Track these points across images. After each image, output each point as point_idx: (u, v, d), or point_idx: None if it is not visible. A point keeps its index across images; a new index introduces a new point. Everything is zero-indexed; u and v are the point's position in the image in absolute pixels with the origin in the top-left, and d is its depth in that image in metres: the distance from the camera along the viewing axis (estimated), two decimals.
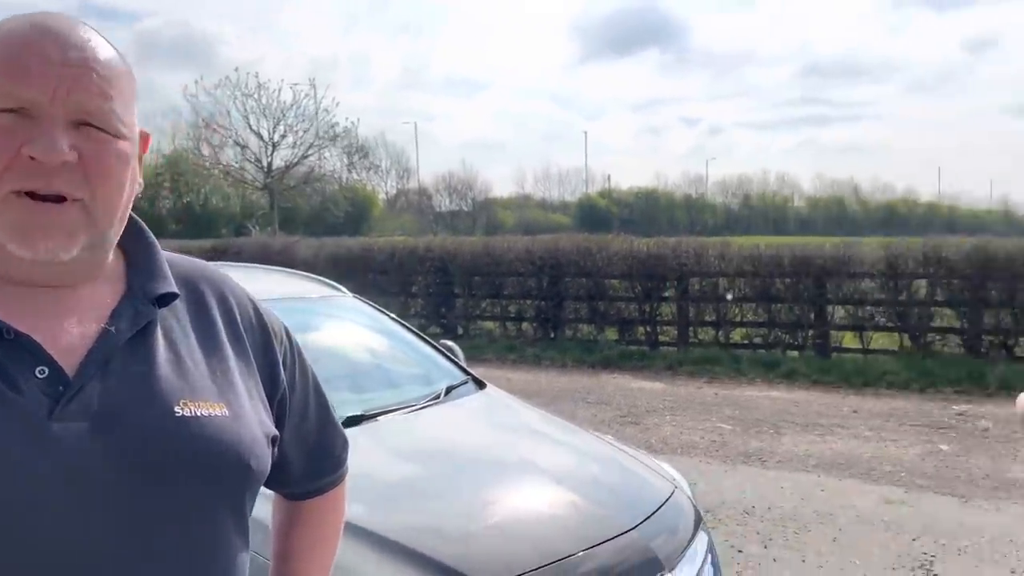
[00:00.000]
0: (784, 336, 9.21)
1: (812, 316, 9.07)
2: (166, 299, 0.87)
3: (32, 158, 0.74)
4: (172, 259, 0.93)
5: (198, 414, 0.81)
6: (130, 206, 0.85)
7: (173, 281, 0.88)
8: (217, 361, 0.88)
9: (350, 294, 3.61)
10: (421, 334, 3.53)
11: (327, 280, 3.66)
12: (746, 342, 9.46)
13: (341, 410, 2.53)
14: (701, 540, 2.35)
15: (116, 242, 0.86)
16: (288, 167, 23.39)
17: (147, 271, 0.88)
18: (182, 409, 0.81)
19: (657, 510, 2.28)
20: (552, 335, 10.11)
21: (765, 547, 3.94)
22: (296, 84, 24.11)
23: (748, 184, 70.06)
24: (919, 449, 5.59)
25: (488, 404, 3.05)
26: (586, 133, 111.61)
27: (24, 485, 0.72)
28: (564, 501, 2.26)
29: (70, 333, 0.80)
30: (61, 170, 0.75)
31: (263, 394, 0.92)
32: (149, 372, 0.81)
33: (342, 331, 3.36)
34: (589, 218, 52.25)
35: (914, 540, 4.01)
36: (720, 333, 9.51)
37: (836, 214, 63.41)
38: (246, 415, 0.87)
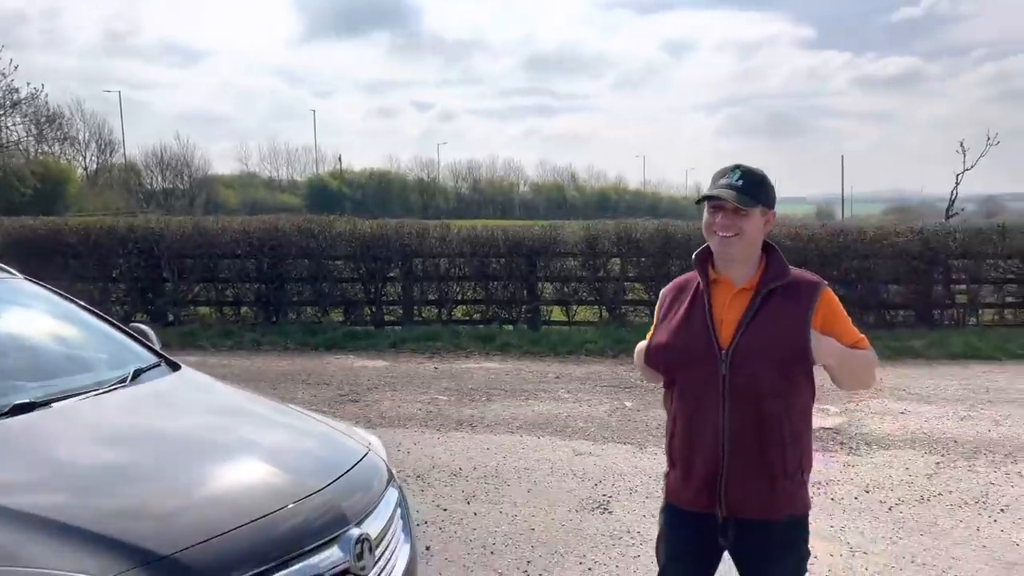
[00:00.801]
0: (500, 312, 9.88)
1: (525, 292, 9.83)
2: None
3: None
4: None
5: None
6: None
7: None
8: None
9: (21, 276, 3.27)
10: (107, 317, 3.29)
11: None
12: (467, 318, 9.98)
13: (10, 398, 2.34)
14: (391, 495, 2.52)
15: None
16: None
17: None
18: None
19: (347, 471, 2.40)
20: (274, 319, 9.83)
21: (468, 503, 4.27)
22: None
23: (478, 169, 72.99)
24: (607, 407, 6.35)
25: (181, 385, 2.96)
26: (314, 111, 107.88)
27: None
28: (259, 470, 2.30)
29: None
30: None
31: None
32: None
33: (11, 316, 3.04)
34: (320, 199, 51.01)
35: (596, 485, 4.58)
36: (443, 311, 9.93)
37: (557, 199, 68.44)
38: None
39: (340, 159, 64.41)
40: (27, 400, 2.39)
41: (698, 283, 2.09)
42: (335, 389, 6.88)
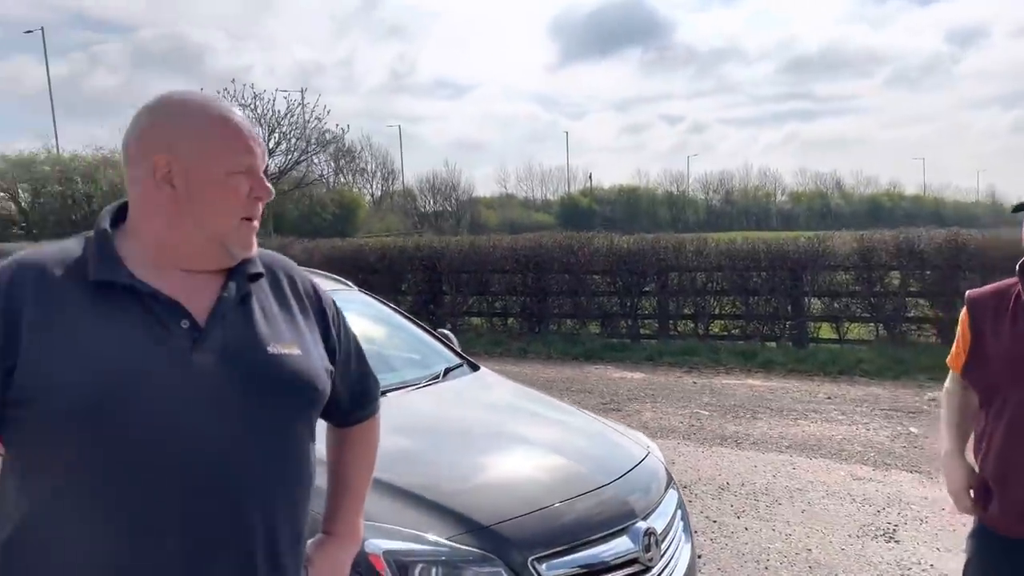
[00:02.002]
0: (761, 327, 9.54)
1: (789, 308, 9.40)
2: (256, 276, 1.25)
3: (258, 198, 1.21)
4: (258, 251, 1.31)
5: (283, 352, 1.20)
6: None
7: (260, 265, 1.27)
8: (290, 318, 1.27)
9: (355, 288, 3.86)
10: (420, 323, 3.78)
11: (333, 276, 3.90)
12: (724, 334, 9.77)
13: None
14: (672, 497, 2.62)
15: None
16: (282, 173, 23.67)
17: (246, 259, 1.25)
18: (273, 348, 1.20)
19: (631, 470, 2.55)
20: (537, 329, 10.38)
21: (738, 518, 4.22)
22: (287, 92, 24.31)
23: (730, 180, 70.71)
24: (888, 432, 5.89)
25: (481, 383, 3.31)
26: (567, 133, 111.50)
27: (174, 395, 1.09)
28: (558, 461, 2.55)
29: (199, 297, 1.18)
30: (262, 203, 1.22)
31: (320, 342, 1.31)
32: (250, 324, 1.20)
33: (351, 321, 3.60)
34: (571, 216, 52.56)
35: (879, 512, 4.29)
36: (699, 325, 9.82)
37: (819, 208, 64.11)
38: (311, 354, 1.26)
39: (590, 177, 65.89)
40: None
41: (1017, 293, 1.94)
42: (597, 397, 7.12)
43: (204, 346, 1.12)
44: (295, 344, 1.23)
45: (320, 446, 1.36)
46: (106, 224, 1.19)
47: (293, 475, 1.20)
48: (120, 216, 1.21)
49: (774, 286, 9.37)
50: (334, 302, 1.41)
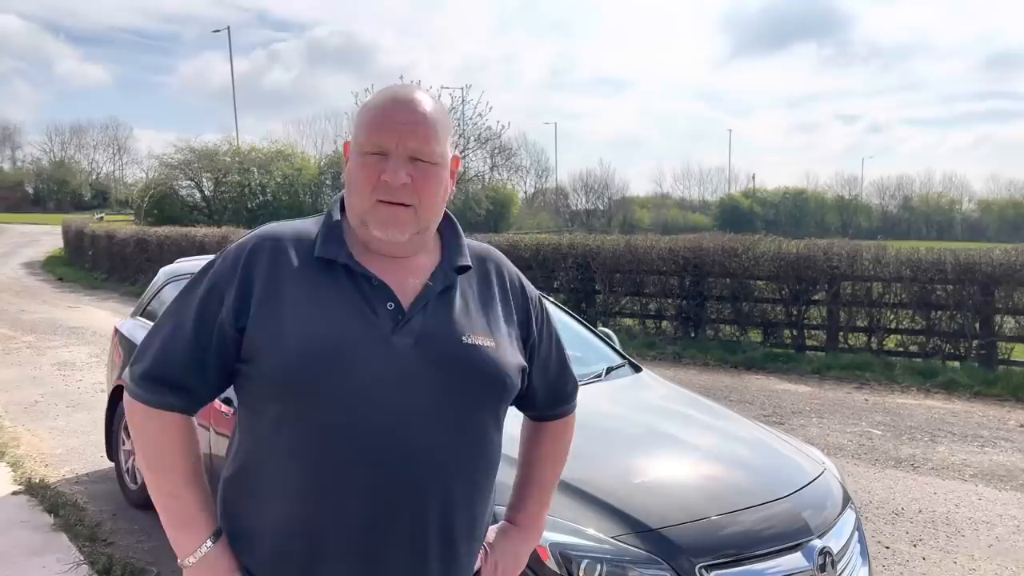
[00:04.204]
0: (944, 345, 8.80)
1: (977, 326, 8.61)
2: (463, 269, 1.32)
3: (385, 181, 1.22)
4: (470, 243, 1.38)
5: (476, 342, 1.26)
6: (444, 205, 1.30)
7: (469, 257, 1.34)
8: (490, 312, 1.33)
9: None
10: (582, 320, 3.82)
11: None
12: (900, 349, 9.10)
13: None
14: (849, 517, 2.50)
15: (435, 229, 1.32)
16: None
17: (454, 250, 1.33)
18: (467, 339, 1.26)
19: (806, 485, 2.46)
20: (693, 334, 10.14)
21: (915, 546, 3.94)
22: (450, 88, 25.14)
23: (909, 185, 65.75)
24: None
25: (644, 385, 3.30)
26: (731, 131, 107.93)
27: (371, 370, 1.19)
28: (728, 469, 2.51)
29: (406, 284, 1.26)
30: (402, 188, 1.22)
31: (518, 338, 1.36)
32: (448, 314, 1.27)
33: None
34: (731, 218, 50.86)
35: None
36: (872, 339, 9.21)
37: (1012, 219, 58.19)
38: (505, 348, 1.31)
39: (753, 178, 63.46)
40: None
41: None
42: (758, 409, 6.86)
43: (404, 329, 1.21)
44: (489, 336, 1.27)
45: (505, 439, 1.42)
46: (336, 209, 1.31)
47: (474, 460, 1.25)
48: None
49: (960, 301, 8.60)
50: (540, 299, 1.45)
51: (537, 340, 1.40)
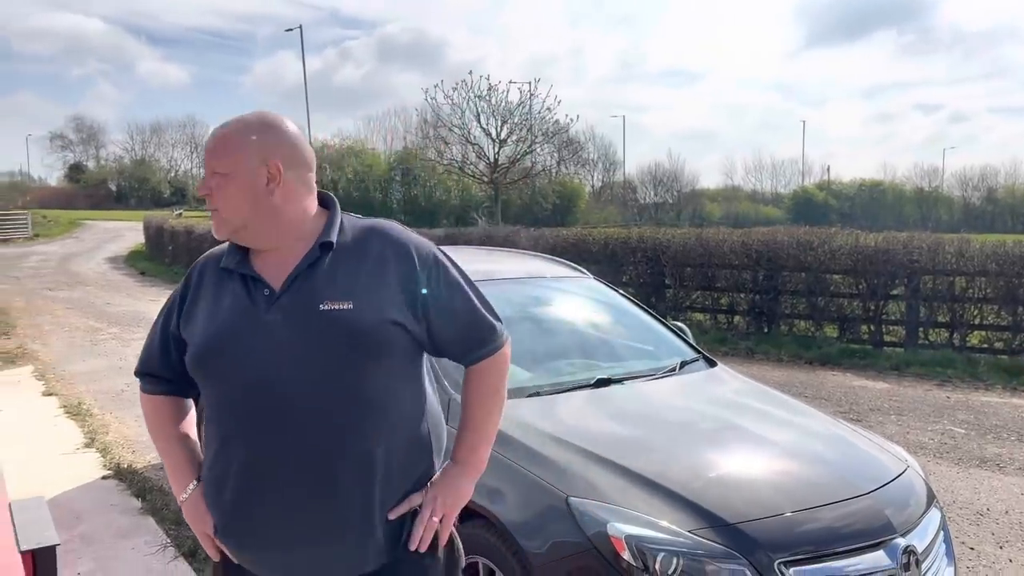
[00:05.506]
0: None
1: None
2: (327, 246, 1.51)
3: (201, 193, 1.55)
4: (359, 221, 1.59)
5: (332, 307, 1.46)
6: (260, 206, 1.50)
7: (335, 234, 1.52)
8: (357, 278, 1.49)
9: (589, 275, 3.95)
10: (655, 314, 3.79)
11: (569, 263, 4.03)
12: (985, 346, 8.72)
13: (594, 373, 2.89)
14: (934, 516, 2.42)
15: (267, 226, 1.52)
16: (512, 162, 24.61)
17: (325, 231, 1.54)
18: (324, 305, 1.46)
19: (889, 482, 2.39)
20: (766, 329, 9.93)
21: (1000, 548, 3.78)
22: (519, 83, 25.13)
23: (994, 176, 62.65)
24: None
25: (719, 379, 3.26)
26: (804, 122, 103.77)
27: (251, 346, 1.47)
28: (806, 464, 2.47)
29: (282, 270, 1.51)
30: (208, 197, 1.52)
31: (396, 297, 1.50)
32: (312, 285, 1.48)
33: (587, 307, 3.70)
34: (804, 211, 49.48)
35: None
36: (955, 335, 8.84)
37: None
38: (364, 308, 1.46)
39: (828, 169, 61.58)
40: (606, 376, 2.92)
41: None
42: (834, 405, 6.68)
43: (274, 308, 1.48)
44: (348, 300, 1.47)
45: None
46: None
47: (345, 406, 1.45)
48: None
49: None
50: (435, 259, 1.57)
51: (429, 296, 1.53)
